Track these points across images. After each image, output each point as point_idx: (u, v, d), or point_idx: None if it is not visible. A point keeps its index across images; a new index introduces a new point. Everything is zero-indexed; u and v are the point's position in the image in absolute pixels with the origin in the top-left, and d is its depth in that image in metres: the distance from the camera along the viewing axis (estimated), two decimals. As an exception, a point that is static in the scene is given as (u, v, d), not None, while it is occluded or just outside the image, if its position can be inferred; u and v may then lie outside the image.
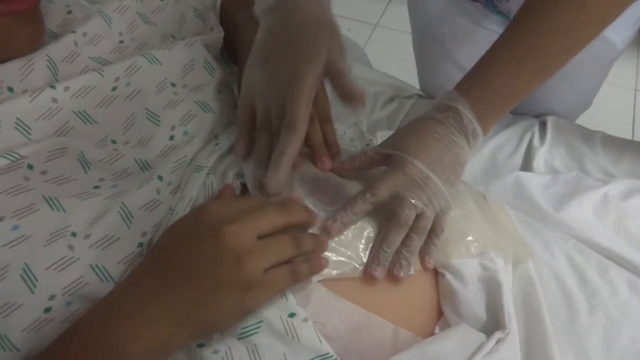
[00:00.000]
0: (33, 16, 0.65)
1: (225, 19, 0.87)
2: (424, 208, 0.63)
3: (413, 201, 0.62)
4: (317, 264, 0.57)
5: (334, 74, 0.66)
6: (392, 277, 0.61)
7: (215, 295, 0.51)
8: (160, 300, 0.51)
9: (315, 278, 0.58)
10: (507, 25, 1.11)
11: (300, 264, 0.56)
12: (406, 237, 0.63)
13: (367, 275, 0.60)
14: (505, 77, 0.67)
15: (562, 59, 0.67)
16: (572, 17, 0.64)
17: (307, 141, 0.69)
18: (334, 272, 0.59)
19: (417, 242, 0.63)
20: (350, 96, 0.66)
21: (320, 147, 0.69)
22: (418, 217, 0.63)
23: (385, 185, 0.63)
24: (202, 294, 0.51)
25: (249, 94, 0.69)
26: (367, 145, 0.83)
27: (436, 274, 0.66)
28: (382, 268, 0.60)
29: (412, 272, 0.63)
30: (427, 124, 0.67)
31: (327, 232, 0.60)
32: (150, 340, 0.50)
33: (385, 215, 0.63)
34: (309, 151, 0.69)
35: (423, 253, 0.64)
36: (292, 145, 0.61)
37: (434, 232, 0.64)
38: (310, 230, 0.61)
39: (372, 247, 0.62)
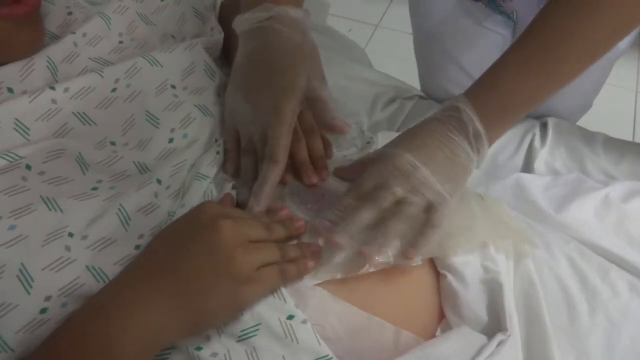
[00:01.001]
0: (33, 19, 0.65)
1: (223, 22, 0.87)
2: (407, 194, 0.62)
3: (395, 188, 0.62)
4: (303, 267, 0.58)
5: (314, 101, 0.68)
6: (362, 257, 0.60)
7: (210, 284, 0.52)
8: (152, 289, 0.51)
9: (313, 281, 0.58)
10: (510, 25, 1.12)
11: (289, 265, 0.57)
12: (381, 220, 0.61)
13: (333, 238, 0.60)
14: (515, 83, 0.66)
15: (576, 67, 0.65)
16: (589, 26, 0.62)
17: (292, 157, 0.69)
18: (337, 275, 0.60)
19: (397, 225, 0.61)
20: (330, 128, 0.67)
21: (304, 163, 0.69)
22: (400, 202, 0.62)
23: (370, 175, 0.63)
24: (197, 283, 0.52)
25: (232, 120, 0.71)
26: (368, 143, 0.83)
27: (437, 275, 0.66)
28: (341, 238, 0.60)
29: (419, 262, 0.62)
30: (427, 122, 0.67)
31: (318, 232, 0.61)
32: (142, 331, 0.50)
33: None
34: (294, 167, 0.70)
35: (408, 244, 0.61)
36: (273, 174, 0.64)
37: (427, 223, 0.62)
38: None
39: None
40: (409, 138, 0.66)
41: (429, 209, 0.63)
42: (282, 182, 0.67)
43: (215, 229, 0.53)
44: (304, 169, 0.69)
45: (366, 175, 0.63)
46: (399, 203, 0.62)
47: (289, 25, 0.70)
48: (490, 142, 0.67)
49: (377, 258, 0.59)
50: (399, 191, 0.62)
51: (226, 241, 0.53)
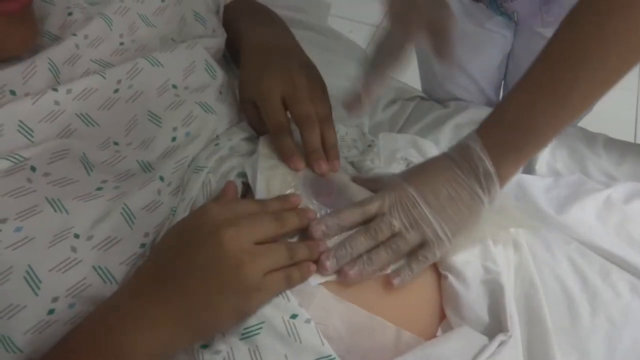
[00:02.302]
0: (25, 16, 0.64)
1: (227, 24, 0.87)
2: (402, 229, 0.62)
3: (393, 220, 0.62)
4: (305, 270, 0.58)
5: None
6: (342, 274, 0.59)
7: (217, 297, 0.52)
8: (162, 303, 0.51)
9: (316, 280, 0.58)
10: (511, 27, 1.12)
11: (293, 269, 0.56)
12: (374, 248, 0.62)
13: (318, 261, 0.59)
14: (524, 115, 0.62)
15: (587, 94, 0.61)
16: (599, 52, 0.58)
17: (304, 143, 0.69)
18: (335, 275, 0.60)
19: (384, 256, 0.61)
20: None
21: (316, 150, 0.69)
22: (394, 235, 0.62)
23: (375, 201, 0.63)
24: (205, 296, 0.52)
25: None
26: (369, 146, 0.83)
27: (439, 275, 0.66)
28: (333, 259, 0.59)
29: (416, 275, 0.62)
30: (439, 158, 0.67)
31: (309, 233, 0.60)
32: (153, 342, 0.50)
33: None
34: (306, 154, 0.69)
35: (395, 272, 0.62)
36: None
37: (415, 257, 0.62)
38: None
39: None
40: (419, 172, 0.66)
41: (423, 245, 0.63)
42: (296, 168, 0.67)
43: (218, 239, 0.52)
44: (315, 157, 0.68)
45: (374, 199, 0.63)
46: (394, 235, 0.62)
47: None
48: (503, 181, 0.64)
49: (350, 275, 0.59)
50: (396, 225, 0.62)
51: (231, 252, 0.52)
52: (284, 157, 0.68)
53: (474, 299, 0.63)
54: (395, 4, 0.72)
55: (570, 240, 0.75)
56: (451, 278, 0.64)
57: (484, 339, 0.60)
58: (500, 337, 0.60)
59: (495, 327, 0.62)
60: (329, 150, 0.70)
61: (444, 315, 0.65)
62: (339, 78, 1.06)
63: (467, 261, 0.66)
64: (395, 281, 0.61)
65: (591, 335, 0.66)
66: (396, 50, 0.72)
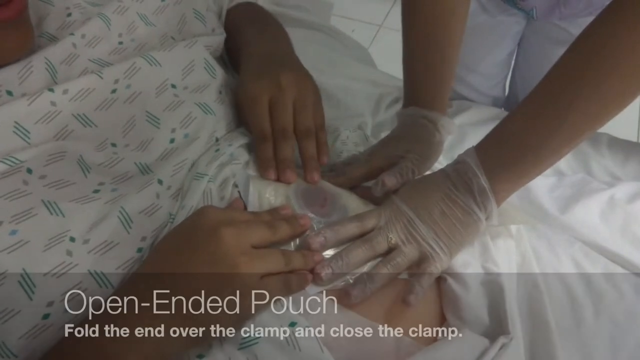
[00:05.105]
0: (21, 22, 0.63)
1: (229, 28, 0.87)
2: (399, 243, 0.62)
3: (389, 234, 0.62)
4: (303, 279, 0.58)
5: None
6: (345, 294, 0.59)
7: (215, 297, 0.51)
8: (157, 304, 0.51)
9: (316, 288, 0.58)
10: (527, 20, 1.12)
11: (292, 276, 0.57)
12: (370, 259, 0.62)
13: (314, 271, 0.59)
14: (521, 134, 0.62)
15: (587, 117, 0.58)
16: (600, 76, 0.56)
17: (276, 153, 0.68)
18: (339, 283, 0.60)
19: (385, 274, 0.61)
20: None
21: (310, 159, 0.69)
22: (393, 250, 0.62)
23: (372, 217, 0.64)
24: (200, 297, 0.51)
25: None
26: None
27: (438, 279, 0.66)
28: (329, 269, 0.59)
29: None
30: (435, 175, 0.67)
31: (308, 244, 0.60)
32: (147, 346, 0.50)
33: None
34: (302, 162, 0.69)
35: (407, 290, 0.62)
36: None
37: (422, 272, 0.62)
38: None
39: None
40: (413, 188, 0.67)
41: (422, 260, 0.63)
42: (268, 178, 0.67)
43: (215, 238, 0.52)
44: (310, 166, 0.69)
45: (370, 214, 0.64)
46: (392, 250, 0.63)
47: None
48: (500, 198, 0.64)
49: (352, 296, 0.59)
50: (393, 238, 0.63)
51: (228, 252, 0.52)
52: (259, 166, 0.68)
53: (474, 301, 0.63)
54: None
55: (574, 240, 0.75)
56: (450, 280, 0.64)
57: (485, 342, 0.60)
58: (501, 340, 0.60)
59: (496, 329, 0.62)
60: (306, 161, 0.69)
61: (444, 319, 0.65)
62: (341, 78, 1.06)
63: (466, 263, 0.66)
64: (411, 299, 0.60)
65: (595, 336, 0.66)
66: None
